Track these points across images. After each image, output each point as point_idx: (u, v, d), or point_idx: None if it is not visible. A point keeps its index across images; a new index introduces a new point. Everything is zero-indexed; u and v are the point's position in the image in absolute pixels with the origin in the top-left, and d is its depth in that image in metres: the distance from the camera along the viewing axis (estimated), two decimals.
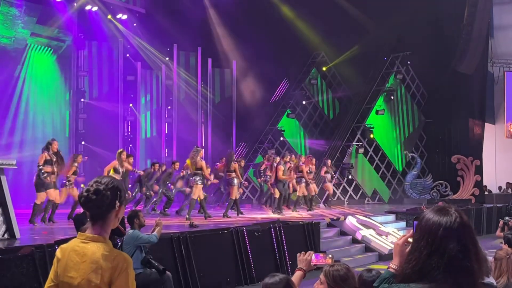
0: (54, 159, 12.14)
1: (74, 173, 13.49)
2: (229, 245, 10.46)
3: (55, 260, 2.85)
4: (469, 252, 2.15)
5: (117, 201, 2.80)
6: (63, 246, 2.86)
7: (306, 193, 17.21)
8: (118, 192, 2.80)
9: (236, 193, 15.18)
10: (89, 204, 2.78)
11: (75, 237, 2.88)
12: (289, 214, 16.01)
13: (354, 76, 24.65)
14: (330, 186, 19.37)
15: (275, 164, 16.26)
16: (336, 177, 20.86)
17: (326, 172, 19.15)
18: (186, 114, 23.25)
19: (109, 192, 2.77)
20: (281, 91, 24.53)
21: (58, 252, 2.85)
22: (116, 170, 13.01)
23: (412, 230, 2.35)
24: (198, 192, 13.80)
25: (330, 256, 3.81)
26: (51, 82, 20.71)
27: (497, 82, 27.21)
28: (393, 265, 2.52)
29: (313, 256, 3.79)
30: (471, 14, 22.96)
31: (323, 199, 19.91)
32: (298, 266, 3.83)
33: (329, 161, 19.67)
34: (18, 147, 18.95)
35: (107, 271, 2.71)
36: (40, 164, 11.91)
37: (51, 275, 2.86)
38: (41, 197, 11.94)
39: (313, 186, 17.72)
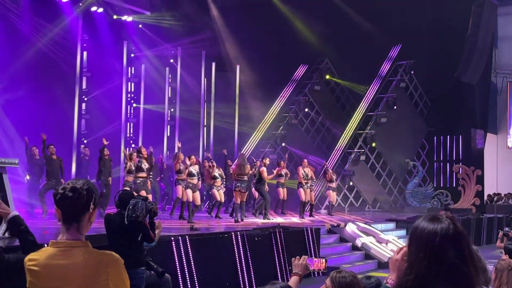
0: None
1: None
2: (229, 249, 10.47)
3: (28, 272, 2.71)
4: (466, 258, 2.16)
5: (91, 203, 2.74)
6: (36, 257, 2.73)
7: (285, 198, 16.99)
8: (93, 195, 2.75)
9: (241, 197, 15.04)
10: (65, 202, 2.70)
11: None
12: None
13: (357, 83, 24.73)
14: (333, 194, 18.65)
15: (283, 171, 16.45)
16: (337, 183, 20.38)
17: (330, 180, 18.29)
18: (189, 117, 23.27)
19: (85, 192, 2.71)
20: (284, 96, 24.52)
21: (30, 264, 2.71)
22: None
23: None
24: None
25: (324, 259, 3.86)
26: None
27: (500, 93, 27.22)
28: (391, 280, 2.46)
29: (308, 260, 3.85)
30: (476, 24, 23.01)
31: (325, 207, 19.62)
32: (294, 271, 3.88)
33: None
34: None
35: (104, 275, 2.65)
36: None
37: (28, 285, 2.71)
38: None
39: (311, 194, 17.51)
